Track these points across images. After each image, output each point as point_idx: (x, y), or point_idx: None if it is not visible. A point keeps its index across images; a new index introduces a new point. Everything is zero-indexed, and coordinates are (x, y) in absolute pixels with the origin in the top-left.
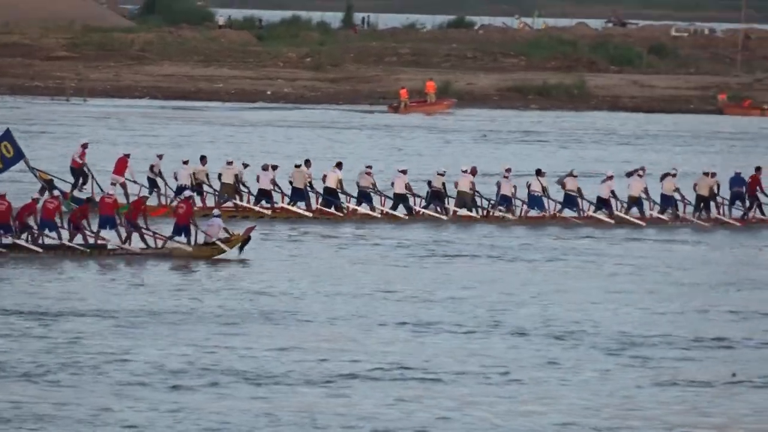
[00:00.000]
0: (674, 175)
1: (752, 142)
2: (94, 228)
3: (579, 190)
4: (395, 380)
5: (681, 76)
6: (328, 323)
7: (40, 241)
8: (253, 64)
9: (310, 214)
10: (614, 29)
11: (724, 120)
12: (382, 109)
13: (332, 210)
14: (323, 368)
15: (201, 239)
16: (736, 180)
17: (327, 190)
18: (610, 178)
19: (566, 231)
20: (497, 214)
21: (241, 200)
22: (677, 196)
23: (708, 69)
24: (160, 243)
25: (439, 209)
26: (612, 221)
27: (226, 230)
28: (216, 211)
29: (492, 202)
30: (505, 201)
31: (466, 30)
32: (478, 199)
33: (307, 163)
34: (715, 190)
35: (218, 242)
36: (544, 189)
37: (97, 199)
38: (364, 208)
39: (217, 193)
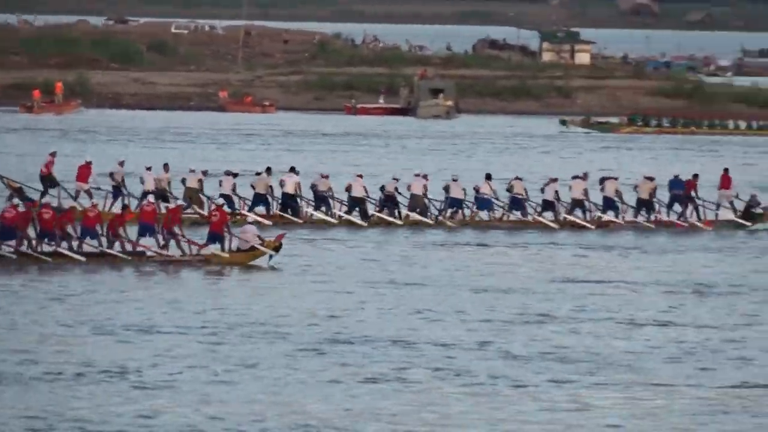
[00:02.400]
0: (616, 179)
1: (248, 137)
2: (132, 235)
3: (526, 192)
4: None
5: (182, 73)
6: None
7: (81, 249)
8: None
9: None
10: (115, 26)
11: (226, 117)
12: (14, 108)
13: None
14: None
15: (235, 246)
16: (675, 183)
17: (286, 195)
18: (554, 180)
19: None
20: (448, 217)
21: (202, 207)
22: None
23: (209, 66)
24: (195, 250)
25: (394, 213)
26: (556, 225)
27: (259, 237)
28: (250, 218)
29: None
30: (455, 204)
31: None
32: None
33: (268, 170)
34: (655, 194)
35: (257, 246)
36: (494, 192)
37: (66, 206)
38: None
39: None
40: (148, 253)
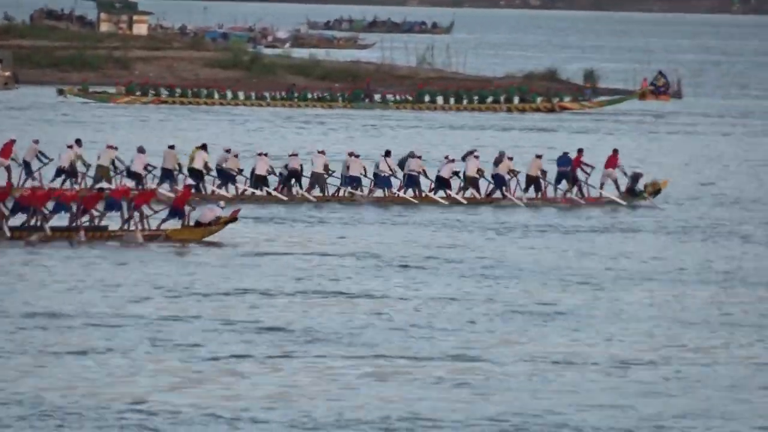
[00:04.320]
0: (477, 156)
1: None
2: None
3: (424, 171)
4: None
5: None
6: None
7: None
8: None
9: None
10: None
11: None
12: None
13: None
14: None
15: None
16: (563, 160)
17: (193, 171)
18: (452, 160)
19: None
20: (346, 194)
21: (110, 183)
22: (508, 176)
23: None
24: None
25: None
26: (446, 202)
27: (218, 217)
28: (221, 202)
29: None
30: (354, 181)
31: None
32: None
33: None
34: (543, 171)
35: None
36: (392, 170)
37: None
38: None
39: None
40: (110, 229)
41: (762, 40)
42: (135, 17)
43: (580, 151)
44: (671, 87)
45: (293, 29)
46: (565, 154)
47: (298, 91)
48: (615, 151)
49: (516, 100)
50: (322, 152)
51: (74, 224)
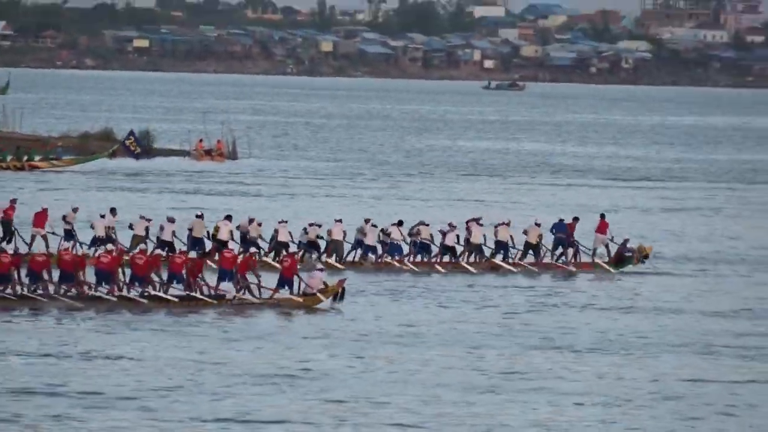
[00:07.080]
0: (508, 224)
1: None
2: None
3: (432, 237)
4: None
5: None
6: None
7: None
8: None
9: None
10: None
11: None
12: None
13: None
14: None
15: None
16: (559, 227)
17: (218, 241)
18: (454, 227)
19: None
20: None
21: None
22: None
23: None
24: (267, 294)
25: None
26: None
27: (325, 283)
28: (319, 265)
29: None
30: (369, 249)
31: None
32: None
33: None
34: (542, 239)
35: (317, 293)
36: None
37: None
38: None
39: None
40: (228, 296)
41: (317, 101)
42: None
43: (575, 218)
44: (226, 148)
45: None
46: (561, 221)
47: None
48: (602, 216)
49: None
50: (340, 220)
51: (188, 293)
